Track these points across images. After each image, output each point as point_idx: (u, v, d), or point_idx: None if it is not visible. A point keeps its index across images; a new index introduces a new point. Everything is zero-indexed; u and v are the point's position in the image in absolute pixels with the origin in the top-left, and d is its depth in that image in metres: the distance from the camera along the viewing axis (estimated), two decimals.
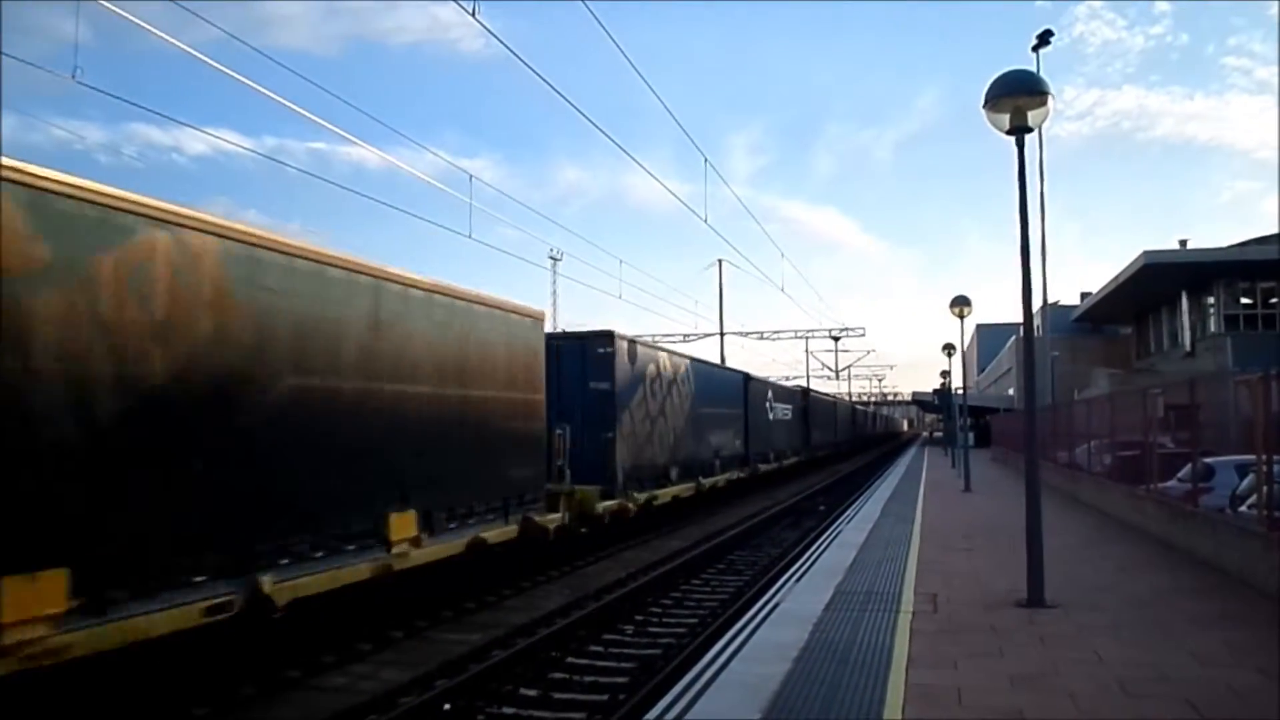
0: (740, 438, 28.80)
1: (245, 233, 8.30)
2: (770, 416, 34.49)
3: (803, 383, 54.83)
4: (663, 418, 20.84)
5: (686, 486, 22.01)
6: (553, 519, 13.92)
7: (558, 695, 8.46)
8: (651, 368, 20.15)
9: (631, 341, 19.32)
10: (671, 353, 23.03)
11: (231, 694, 7.98)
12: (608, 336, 18.02)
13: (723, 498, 25.95)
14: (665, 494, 20.31)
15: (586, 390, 17.42)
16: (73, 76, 10.53)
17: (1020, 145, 8.61)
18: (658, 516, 19.99)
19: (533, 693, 8.54)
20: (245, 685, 8.19)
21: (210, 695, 7.80)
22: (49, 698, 6.35)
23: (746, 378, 31.17)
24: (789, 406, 39.21)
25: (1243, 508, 10.46)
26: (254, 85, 14.09)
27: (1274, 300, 35.81)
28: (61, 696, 6.43)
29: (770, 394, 35.20)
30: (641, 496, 18.55)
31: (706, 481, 23.85)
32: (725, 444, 26.77)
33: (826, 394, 59.01)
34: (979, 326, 75.91)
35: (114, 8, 9.71)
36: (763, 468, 31.60)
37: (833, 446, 54.31)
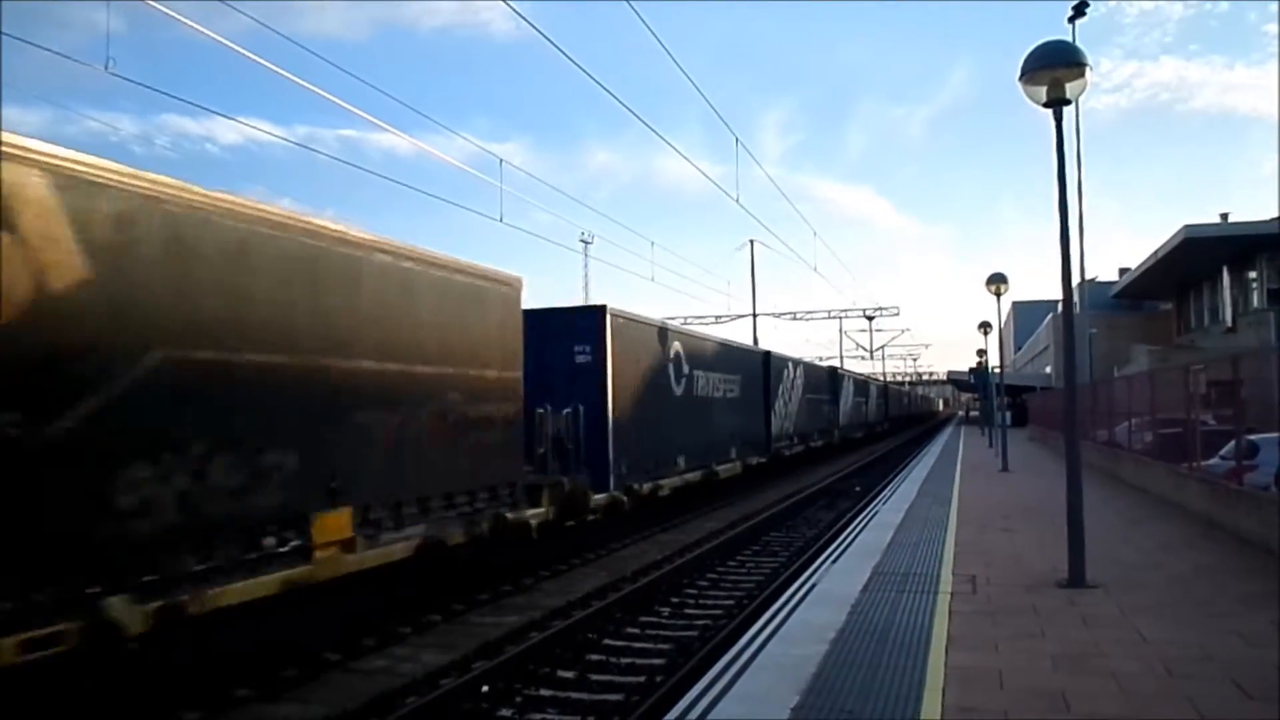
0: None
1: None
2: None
3: (835, 363, 54.79)
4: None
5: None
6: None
7: (595, 677, 8.51)
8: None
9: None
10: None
11: (273, 676, 8.10)
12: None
13: (759, 480, 26.01)
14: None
15: None
16: (105, 68, 10.62)
17: (1057, 118, 8.46)
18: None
19: (570, 674, 8.60)
20: (287, 667, 8.31)
21: (252, 677, 7.92)
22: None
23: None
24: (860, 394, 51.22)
25: None
26: (285, 73, 14.15)
27: None
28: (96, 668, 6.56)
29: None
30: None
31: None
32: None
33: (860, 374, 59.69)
34: (1015, 304, 74.88)
35: None
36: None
37: (866, 428, 54.74)
